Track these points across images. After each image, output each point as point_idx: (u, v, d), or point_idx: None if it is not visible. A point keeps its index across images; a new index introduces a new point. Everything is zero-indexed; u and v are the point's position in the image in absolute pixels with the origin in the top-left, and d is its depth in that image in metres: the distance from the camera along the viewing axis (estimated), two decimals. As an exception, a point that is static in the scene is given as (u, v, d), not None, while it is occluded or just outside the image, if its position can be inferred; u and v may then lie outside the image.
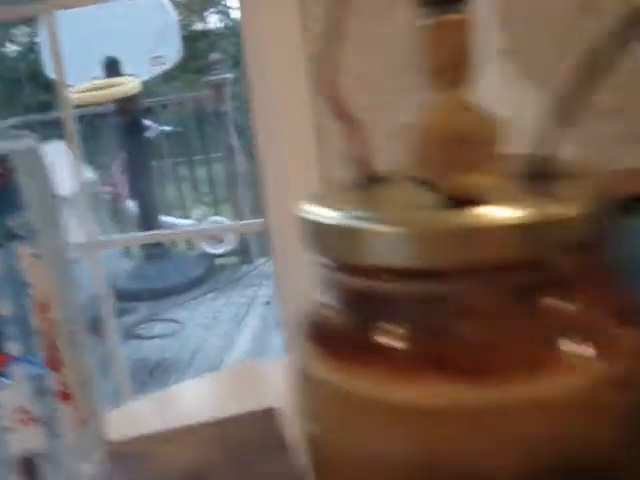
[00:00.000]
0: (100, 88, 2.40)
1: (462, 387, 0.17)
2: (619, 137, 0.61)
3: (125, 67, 2.50)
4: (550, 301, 0.18)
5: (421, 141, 0.18)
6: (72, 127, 1.07)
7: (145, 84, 2.51)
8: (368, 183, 0.21)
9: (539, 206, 0.18)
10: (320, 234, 0.19)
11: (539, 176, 0.19)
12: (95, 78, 2.48)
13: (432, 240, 0.17)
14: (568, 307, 0.18)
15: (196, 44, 3.51)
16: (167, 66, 2.59)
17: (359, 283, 0.19)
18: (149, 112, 2.62)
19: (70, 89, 2.29)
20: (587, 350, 0.18)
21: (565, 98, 0.18)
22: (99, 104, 2.46)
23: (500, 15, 0.60)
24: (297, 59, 0.74)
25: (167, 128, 2.67)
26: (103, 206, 2.56)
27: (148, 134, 2.55)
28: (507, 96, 0.53)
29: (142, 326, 2.18)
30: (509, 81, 0.56)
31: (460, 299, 0.18)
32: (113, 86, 2.41)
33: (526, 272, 0.18)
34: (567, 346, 0.18)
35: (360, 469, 0.19)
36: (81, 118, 2.79)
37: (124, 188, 2.60)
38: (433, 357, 0.18)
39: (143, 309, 2.33)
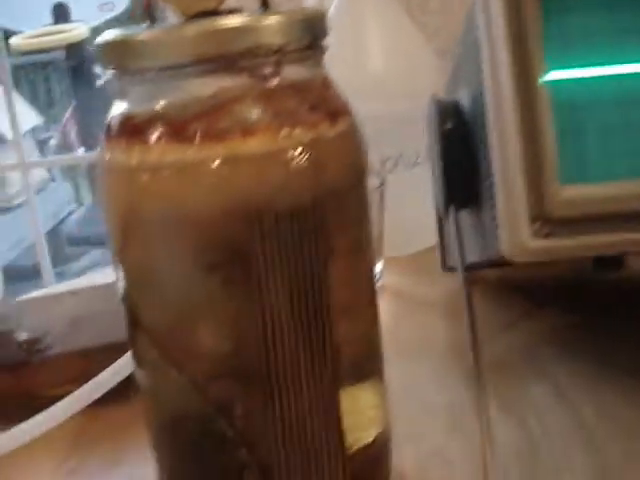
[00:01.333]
0: (48, 34, 2.43)
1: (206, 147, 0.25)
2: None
3: (74, 13, 2.52)
4: (265, 81, 0.25)
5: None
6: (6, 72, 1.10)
7: (96, 31, 2.53)
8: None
9: (262, 17, 0.25)
10: (106, 50, 0.26)
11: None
12: (46, 25, 2.50)
13: (186, 40, 0.25)
14: (281, 89, 0.26)
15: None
16: (116, 12, 2.61)
17: (137, 82, 0.26)
18: (99, 60, 2.63)
19: (20, 35, 2.31)
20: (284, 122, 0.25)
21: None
22: (48, 50, 2.49)
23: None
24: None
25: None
26: (51, 152, 2.59)
27: (99, 81, 2.57)
28: None
29: (89, 273, 2.23)
30: None
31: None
32: (61, 32, 2.44)
33: (255, 60, 0.25)
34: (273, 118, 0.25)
35: (165, 231, 0.26)
36: (32, 65, 2.79)
37: (73, 135, 2.63)
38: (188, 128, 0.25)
39: (92, 255, 2.38)
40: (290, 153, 0.25)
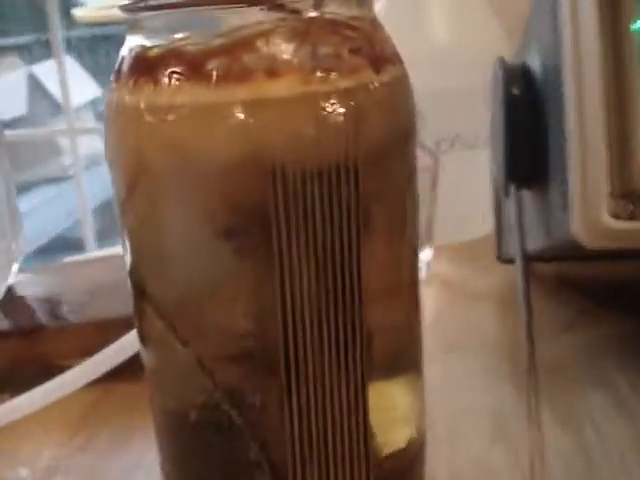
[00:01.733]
0: (111, 7, 2.42)
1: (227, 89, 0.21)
2: None
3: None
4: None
5: None
6: (60, 45, 1.10)
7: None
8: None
9: None
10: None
11: None
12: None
13: None
14: (318, 25, 0.22)
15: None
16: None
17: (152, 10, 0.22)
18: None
19: (83, 7, 2.32)
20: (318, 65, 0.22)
21: None
22: (111, 24, 2.49)
23: None
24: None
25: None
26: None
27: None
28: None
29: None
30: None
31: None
32: (124, 6, 2.42)
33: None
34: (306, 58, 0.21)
35: (174, 185, 0.22)
36: (94, 37, 2.80)
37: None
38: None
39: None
40: (323, 100, 0.21)
